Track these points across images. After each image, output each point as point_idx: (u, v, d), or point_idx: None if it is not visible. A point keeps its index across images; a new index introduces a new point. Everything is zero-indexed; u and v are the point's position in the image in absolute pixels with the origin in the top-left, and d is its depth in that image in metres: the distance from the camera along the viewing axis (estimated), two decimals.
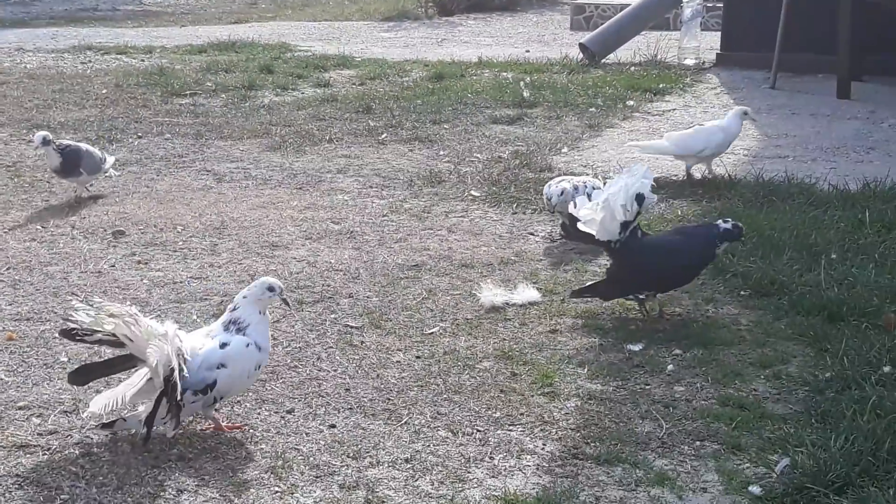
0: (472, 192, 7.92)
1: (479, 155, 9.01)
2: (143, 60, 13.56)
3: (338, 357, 5.16)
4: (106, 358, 4.26)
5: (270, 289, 4.48)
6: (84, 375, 4.28)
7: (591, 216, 5.55)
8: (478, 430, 4.48)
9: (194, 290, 5.96)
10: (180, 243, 6.76)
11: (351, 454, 4.26)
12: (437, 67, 12.91)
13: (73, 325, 4.16)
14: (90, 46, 14.46)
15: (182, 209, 7.44)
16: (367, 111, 10.62)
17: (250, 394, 4.74)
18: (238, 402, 4.66)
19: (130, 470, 4.10)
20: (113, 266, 6.34)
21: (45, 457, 4.19)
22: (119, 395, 4.14)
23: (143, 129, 9.77)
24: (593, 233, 5.55)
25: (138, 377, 4.18)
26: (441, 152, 9.16)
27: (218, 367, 4.30)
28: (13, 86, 11.56)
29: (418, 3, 18.90)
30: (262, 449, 4.30)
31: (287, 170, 8.58)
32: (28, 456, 4.19)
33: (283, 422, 4.53)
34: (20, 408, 4.57)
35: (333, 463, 4.19)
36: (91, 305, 4.20)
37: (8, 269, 6.24)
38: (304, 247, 6.74)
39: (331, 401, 4.72)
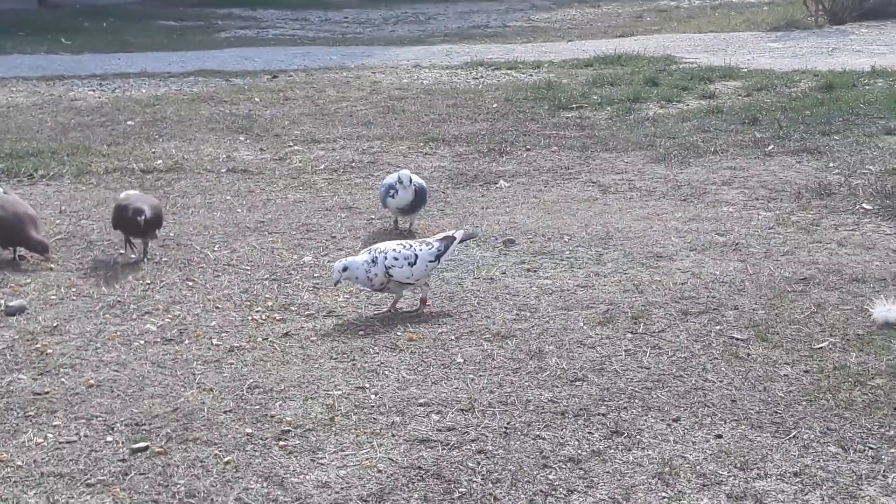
0: (864, 205, 7.69)
1: (871, 167, 8.73)
2: (531, 75, 13.95)
3: (723, 368, 5.16)
4: None
5: None
6: None
7: None
8: (870, 448, 4.37)
9: (581, 298, 6.12)
10: (567, 252, 6.95)
11: (738, 465, 4.27)
12: (826, 77, 12.55)
13: None
14: (482, 62, 15.02)
15: (568, 219, 7.63)
16: (754, 122, 10.48)
17: (636, 400, 4.84)
18: (624, 408, 4.77)
19: (523, 468, 4.28)
20: (504, 273, 6.60)
21: (444, 452, 4.44)
22: None
23: (531, 142, 10.07)
24: None
25: None
26: (831, 164, 8.93)
27: None
28: (411, 101, 12.19)
29: (808, 12, 18.40)
30: (650, 455, 4.38)
31: (671, 181, 8.62)
32: (428, 450, 4.46)
33: (669, 429, 4.59)
34: (421, 405, 4.86)
35: (720, 472, 4.22)
36: None
37: None
38: (688, 258, 6.77)
39: (717, 411, 4.73)
